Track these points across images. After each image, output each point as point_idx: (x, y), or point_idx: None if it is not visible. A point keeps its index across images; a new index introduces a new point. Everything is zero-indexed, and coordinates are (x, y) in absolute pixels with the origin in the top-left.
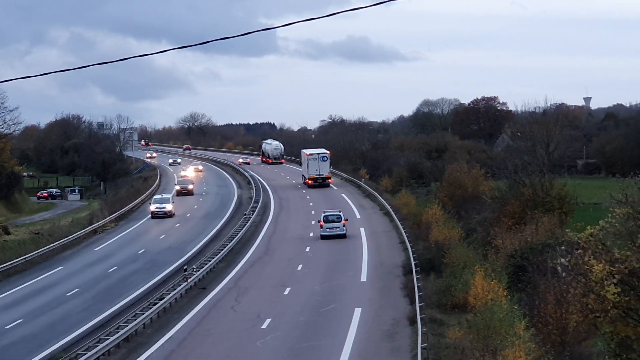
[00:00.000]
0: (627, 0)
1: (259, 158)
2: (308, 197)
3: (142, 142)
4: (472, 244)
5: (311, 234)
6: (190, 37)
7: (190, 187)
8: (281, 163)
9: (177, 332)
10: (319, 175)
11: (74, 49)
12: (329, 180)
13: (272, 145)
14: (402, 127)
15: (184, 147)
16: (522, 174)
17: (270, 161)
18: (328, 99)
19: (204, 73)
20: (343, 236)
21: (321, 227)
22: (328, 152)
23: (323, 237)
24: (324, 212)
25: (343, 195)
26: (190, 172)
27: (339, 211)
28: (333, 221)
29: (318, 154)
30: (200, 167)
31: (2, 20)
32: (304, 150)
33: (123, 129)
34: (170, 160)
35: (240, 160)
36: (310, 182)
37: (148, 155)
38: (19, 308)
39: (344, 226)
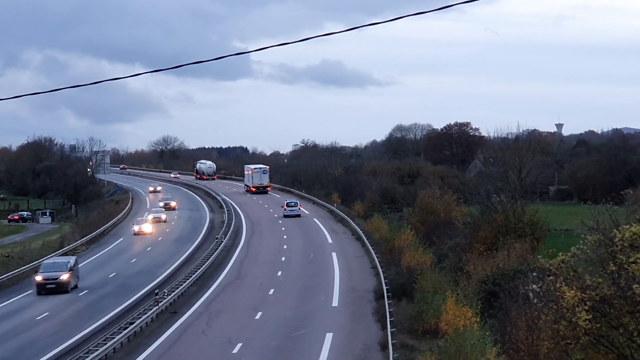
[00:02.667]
0: (600, 27)
1: (193, 175)
2: (280, 222)
3: (122, 166)
4: (443, 270)
5: (283, 259)
6: (164, 61)
7: (164, 216)
8: (214, 179)
9: (147, 357)
10: (261, 184)
11: (46, 71)
12: (268, 189)
13: (206, 165)
14: (375, 152)
15: (172, 175)
16: (494, 199)
17: (205, 177)
18: (301, 123)
19: (177, 96)
20: (298, 215)
21: (284, 210)
22: (267, 167)
23: (286, 216)
24: (286, 200)
25: (315, 220)
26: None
27: (296, 200)
28: (292, 206)
29: (260, 168)
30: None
31: None
32: (247, 165)
33: (95, 151)
34: (151, 188)
35: (172, 175)
36: (253, 189)
37: (151, 188)
38: None
39: (299, 209)
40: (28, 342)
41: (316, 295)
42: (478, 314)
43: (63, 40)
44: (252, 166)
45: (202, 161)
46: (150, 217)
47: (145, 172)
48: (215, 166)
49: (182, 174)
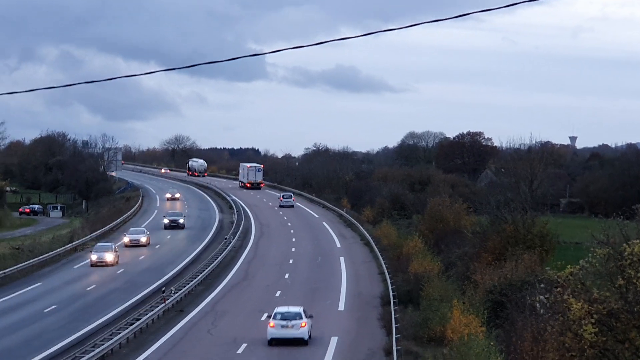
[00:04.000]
0: (618, 40)
1: (186, 172)
2: (289, 224)
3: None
4: (451, 278)
5: (291, 261)
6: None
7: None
8: (204, 176)
9: (152, 353)
10: (255, 181)
11: (62, 67)
12: (261, 185)
13: (198, 163)
14: (386, 158)
15: (162, 170)
16: (504, 210)
17: (196, 174)
18: (314, 127)
19: (190, 96)
20: (292, 206)
21: (280, 200)
22: (262, 165)
23: (281, 206)
24: (282, 193)
25: (324, 223)
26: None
27: (291, 193)
28: (287, 198)
29: (255, 166)
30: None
31: None
32: (243, 164)
33: (107, 148)
34: (169, 195)
35: (162, 170)
36: (248, 185)
37: (169, 195)
38: None
39: (293, 200)
40: (35, 334)
41: (323, 299)
42: (484, 324)
43: (79, 36)
44: (248, 164)
45: (194, 159)
46: (125, 239)
47: (142, 167)
48: (206, 164)
49: (173, 170)
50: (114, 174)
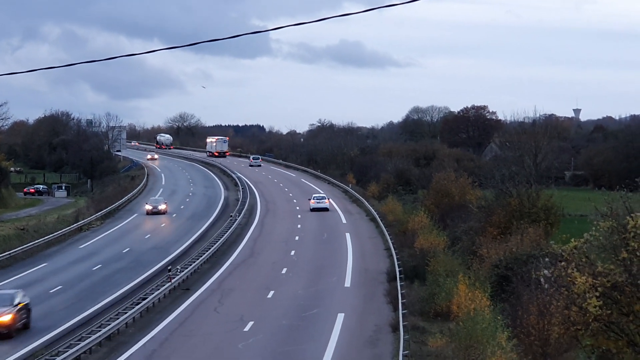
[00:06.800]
0: (621, 12)
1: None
2: (295, 201)
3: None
4: (456, 253)
5: (296, 238)
6: (182, 37)
7: (162, 207)
8: (170, 149)
9: (159, 332)
10: (221, 150)
11: (65, 46)
12: (227, 154)
13: (165, 137)
14: (391, 133)
15: (132, 143)
16: (509, 184)
17: (164, 147)
18: (318, 103)
19: (195, 73)
20: (259, 166)
21: (251, 161)
22: (227, 137)
23: (251, 166)
24: (252, 155)
25: (330, 200)
26: None
27: (259, 155)
28: (256, 159)
29: (221, 138)
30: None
31: None
32: (210, 137)
33: (112, 127)
34: (149, 157)
35: (132, 143)
36: (216, 154)
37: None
38: None
39: (260, 162)
40: (41, 314)
41: (329, 275)
42: (490, 298)
43: (82, 14)
44: (214, 138)
45: (162, 134)
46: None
47: (138, 145)
48: (171, 138)
49: (142, 143)
50: (120, 153)
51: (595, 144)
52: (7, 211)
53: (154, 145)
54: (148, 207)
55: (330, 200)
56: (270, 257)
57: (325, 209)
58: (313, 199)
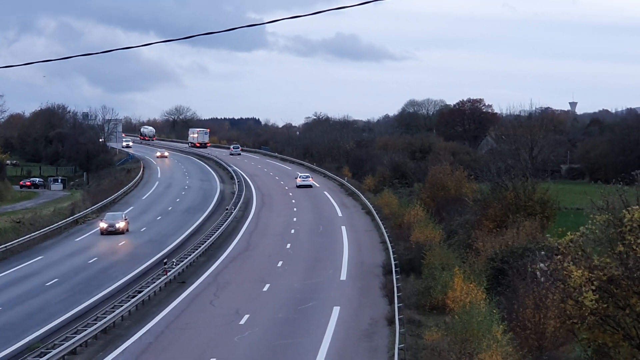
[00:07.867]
0: (617, 5)
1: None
2: (291, 194)
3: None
4: (452, 246)
5: (292, 231)
6: (178, 30)
7: (120, 224)
8: (153, 140)
9: (155, 325)
10: (203, 141)
11: (61, 39)
12: (208, 144)
13: (148, 129)
14: (387, 126)
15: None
16: (505, 177)
17: (147, 139)
18: (314, 96)
19: (191, 66)
20: (239, 154)
21: (231, 150)
22: (209, 129)
23: (231, 155)
24: (232, 146)
25: (325, 193)
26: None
27: (238, 145)
28: (236, 148)
29: (202, 130)
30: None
31: None
32: (192, 128)
33: (108, 120)
34: (158, 154)
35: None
36: (198, 145)
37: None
38: None
39: (240, 151)
40: (37, 307)
41: (325, 268)
42: (485, 291)
43: (78, 7)
44: (197, 129)
45: (145, 127)
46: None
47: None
48: (154, 131)
49: (174, 140)
50: (123, 144)
51: (591, 137)
52: (3, 204)
53: (138, 137)
54: (103, 225)
55: (313, 179)
56: (266, 250)
57: (309, 186)
58: (299, 177)
